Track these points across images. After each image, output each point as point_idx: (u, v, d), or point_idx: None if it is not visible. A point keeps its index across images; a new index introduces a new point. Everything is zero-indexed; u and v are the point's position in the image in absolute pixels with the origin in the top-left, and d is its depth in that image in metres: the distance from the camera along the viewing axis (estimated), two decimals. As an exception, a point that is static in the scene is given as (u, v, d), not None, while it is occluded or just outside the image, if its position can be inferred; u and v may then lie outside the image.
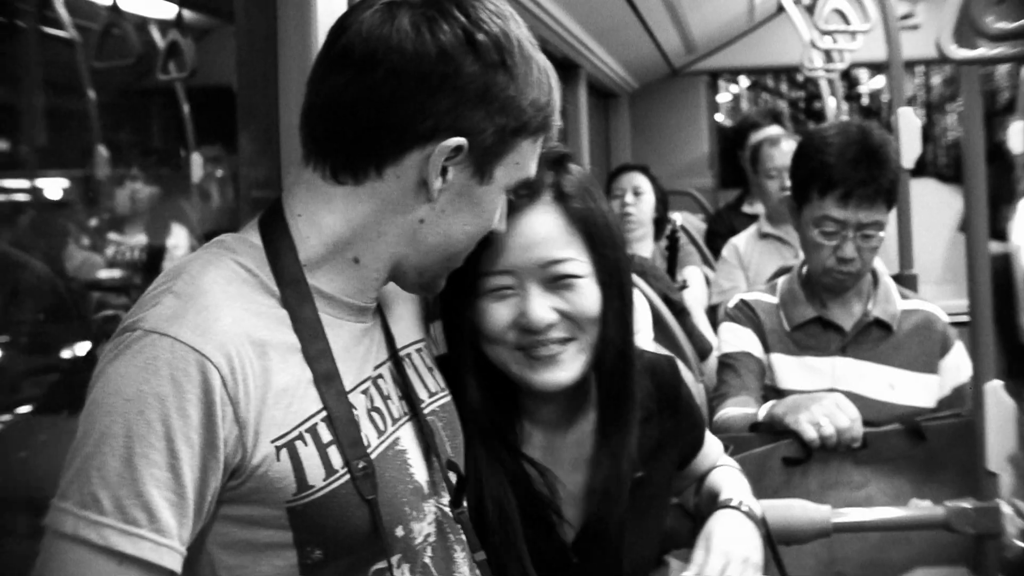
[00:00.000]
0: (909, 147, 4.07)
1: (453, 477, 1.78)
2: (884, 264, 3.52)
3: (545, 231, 1.89)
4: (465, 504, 1.81)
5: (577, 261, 1.92)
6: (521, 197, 1.84)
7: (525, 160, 1.67)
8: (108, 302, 4.95)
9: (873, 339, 3.24)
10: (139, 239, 5.66)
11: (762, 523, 2.21)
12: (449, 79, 1.55)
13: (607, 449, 2.06)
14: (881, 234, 3.14)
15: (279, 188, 2.21)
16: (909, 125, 4.11)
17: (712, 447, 2.38)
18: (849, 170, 3.08)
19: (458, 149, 1.57)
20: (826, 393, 2.94)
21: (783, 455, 2.83)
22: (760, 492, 2.67)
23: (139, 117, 6.12)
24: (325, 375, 1.57)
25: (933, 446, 2.86)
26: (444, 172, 1.59)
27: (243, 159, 2.46)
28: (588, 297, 1.94)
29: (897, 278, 3.66)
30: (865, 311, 3.25)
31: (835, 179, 3.09)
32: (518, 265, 1.88)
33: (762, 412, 2.96)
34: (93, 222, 5.48)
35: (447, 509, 1.75)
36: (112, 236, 5.57)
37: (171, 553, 1.43)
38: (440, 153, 1.56)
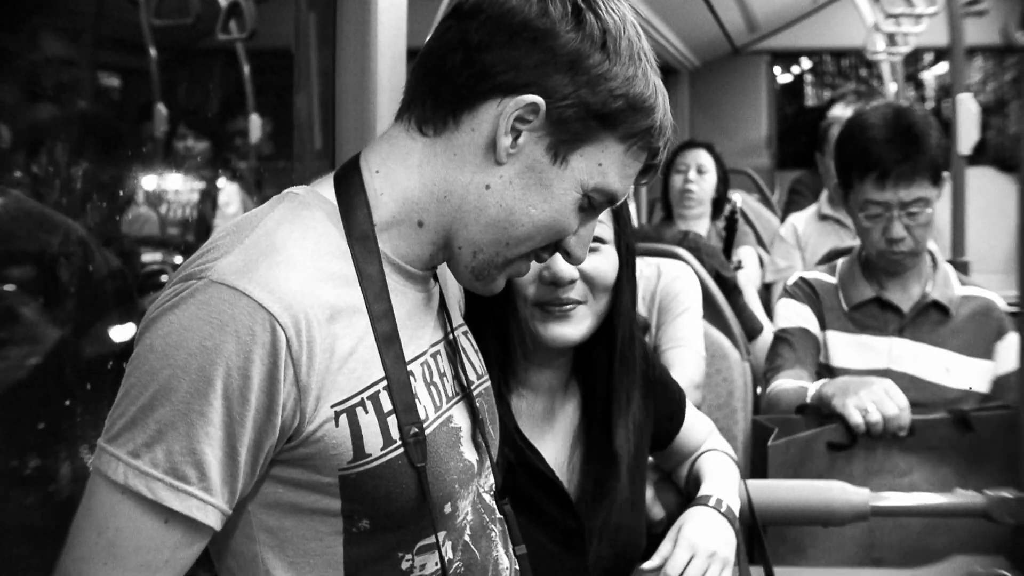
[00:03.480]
0: (967, 134, 4.03)
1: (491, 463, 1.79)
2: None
3: None
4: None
5: (605, 226, 2.01)
6: None
7: (609, 164, 1.61)
8: (158, 260, 4.96)
9: (931, 322, 3.23)
10: (192, 197, 5.67)
11: (741, 519, 2.22)
12: (543, 38, 1.53)
13: (606, 423, 2.13)
14: (928, 211, 3.10)
15: (332, 151, 2.22)
16: (967, 112, 4.06)
17: (698, 426, 2.40)
18: (884, 151, 3.07)
19: (534, 110, 1.54)
20: (877, 378, 2.92)
21: (828, 440, 2.82)
22: (804, 476, 2.71)
23: (200, 77, 6.13)
24: (386, 337, 1.55)
25: (980, 436, 2.84)
26: (517, 135, 1.56)
27: (299, 121, 2.46)
28: (610, 262, 2.04)
29: (952, 263, 3.63)
30: (924, 293, 3.24)
31: (871, 161, 3.08)
32: None
33: (811, 390, 2.96)
34: (149, 180, 5.49)
35: (484, 492, 1.74)
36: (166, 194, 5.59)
37: (215, 512, 1.43)
38: (515, 106, 1.53)
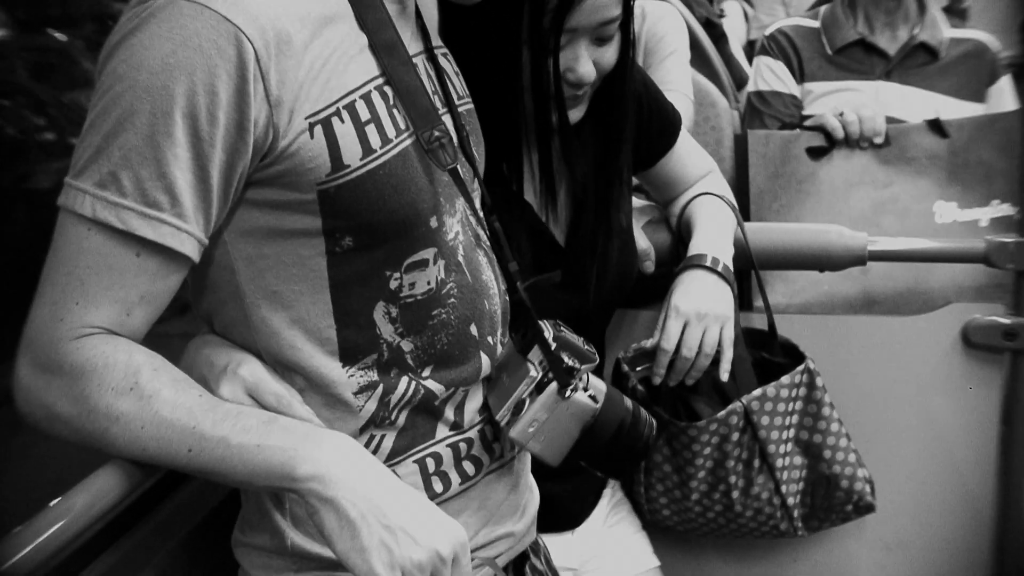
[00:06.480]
0: None
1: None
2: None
3: None
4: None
5: (619, 19, 1.92)
6: None
7: None
8: None
9: (918, 64, 3.19)
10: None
11: (738, 260, 2.23)
12: None
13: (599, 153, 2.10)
14: None
15: None
16: None
17: (696, 159, 2.35)
18: None
19: None
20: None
21: (807, 145, 2.86)
22: (783, 179, 2.82)
23: None
24: (387, 44, 1.52)
25: (956, 144, 2.84)
26: None
27: None
28: (616, 49, 1.96)
29: (948, 9, 3.54)
30: (911, 36, 3.19)
31: None
32: (583, 25, 1.85)
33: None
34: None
35: (471, 214, 1.69)
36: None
37: (191, 240, 1.38)
38: None
